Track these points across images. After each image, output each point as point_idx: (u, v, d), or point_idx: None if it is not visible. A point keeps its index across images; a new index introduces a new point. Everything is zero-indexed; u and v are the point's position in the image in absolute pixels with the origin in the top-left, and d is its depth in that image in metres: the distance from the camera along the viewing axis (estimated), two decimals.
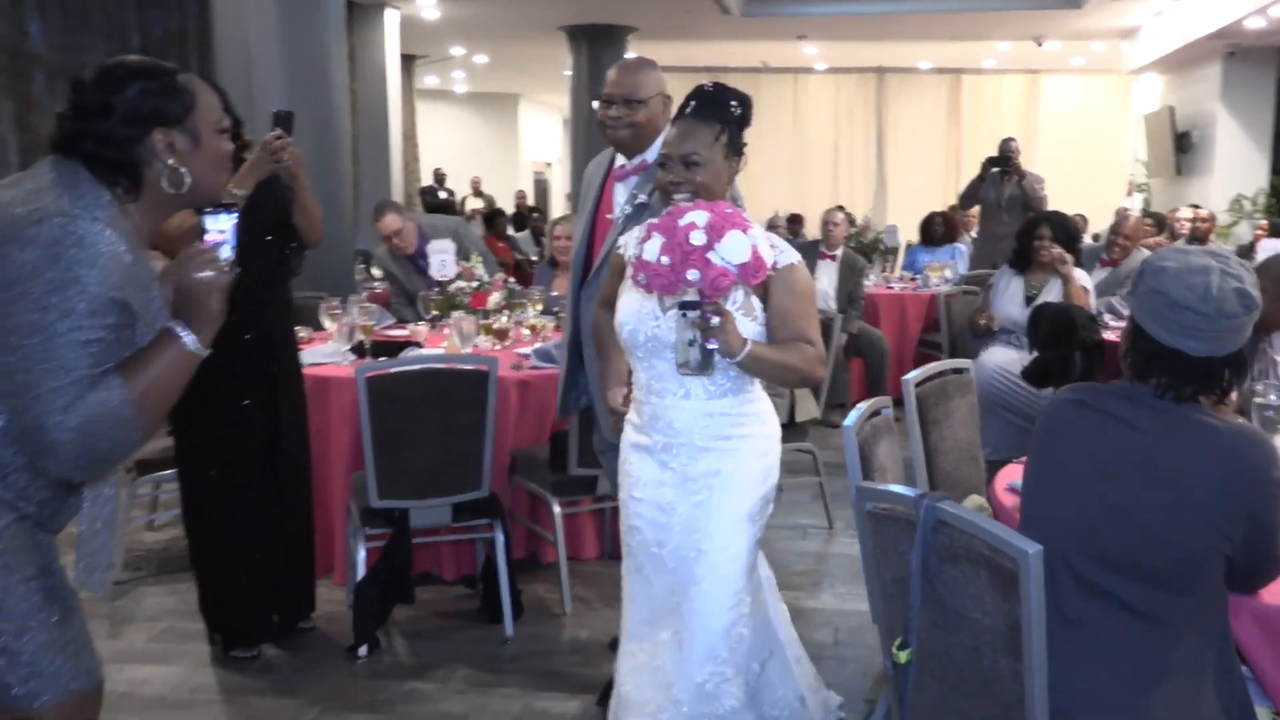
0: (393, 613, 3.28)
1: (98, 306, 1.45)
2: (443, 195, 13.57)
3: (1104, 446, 1.76)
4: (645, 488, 2.19)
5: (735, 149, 2.18)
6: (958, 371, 3.12)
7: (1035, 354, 4.07)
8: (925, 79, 15.17)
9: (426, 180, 13.85)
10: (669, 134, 2.18)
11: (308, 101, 5.29)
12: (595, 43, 11.66)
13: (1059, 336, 3.90)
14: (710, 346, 1.93)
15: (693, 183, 2.11)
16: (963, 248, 8.19)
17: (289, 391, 3.13)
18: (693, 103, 2.16)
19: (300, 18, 5.57)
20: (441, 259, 4.37)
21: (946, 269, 7.35)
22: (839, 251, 6.43)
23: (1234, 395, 1.90)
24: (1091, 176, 13.64)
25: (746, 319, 2.08)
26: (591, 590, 3.58)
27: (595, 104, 2.43)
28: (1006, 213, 6.98)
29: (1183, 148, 11.66)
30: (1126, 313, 3.40)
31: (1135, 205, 12.38)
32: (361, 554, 3.18)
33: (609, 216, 2.64)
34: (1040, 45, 12.40)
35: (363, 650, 3.13)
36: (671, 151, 2.14)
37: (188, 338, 1.53)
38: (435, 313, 4.31)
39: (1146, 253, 5.45)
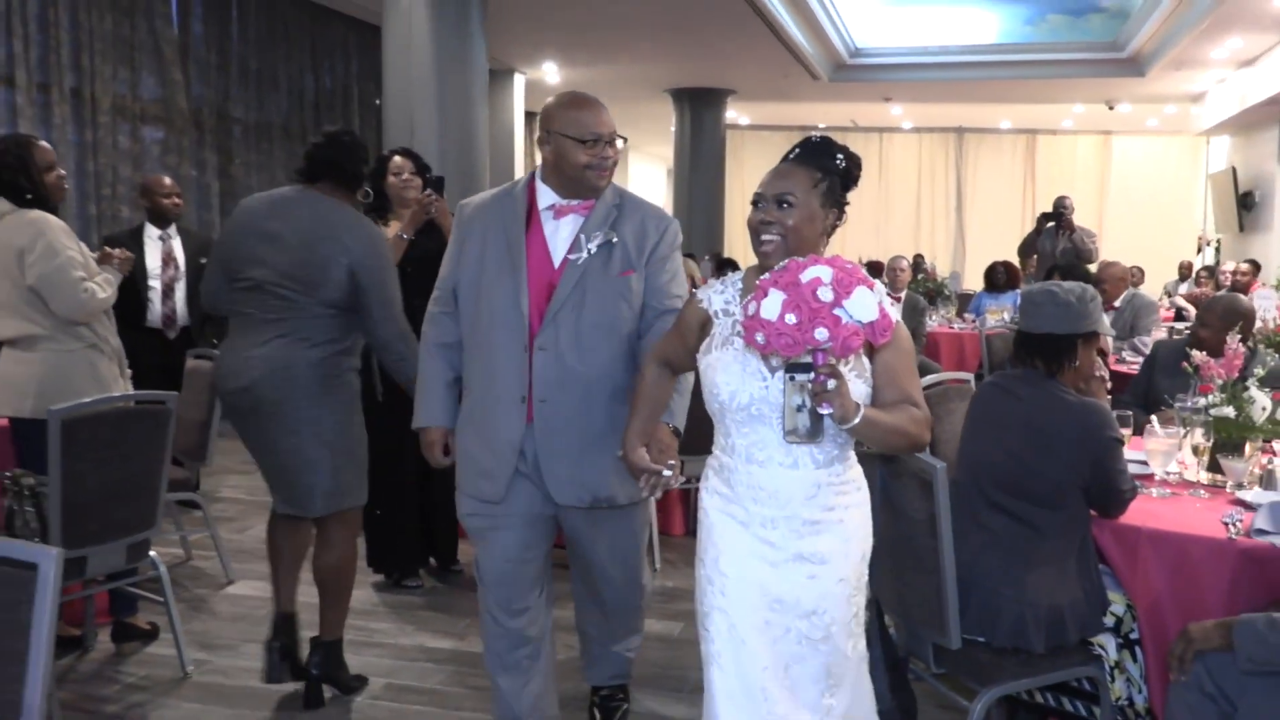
0: None
1: None
2: None
3: (1003, 411, 2.70)
4: (741, 564, 1.95)
5: (834, 201, 1.99)
6: (959, 381, 4.07)
7: None
8: (1002, 138, 15.96)
9: None
10: (764, 177, 2.02)
11: (457, 154, 6.41)
12: (697, 103, 12.89)
13: None
14: (823, 412, 1.74)
15: (783, 224, 1.94)
16: None
17: None
18: (797, 150, 2.02)
19: (454, 84, 6.67)
20: None
21: (1005, 311, 8.19)
22: (903, 294, 7.39)
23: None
24: (1162, 231, 14.22)
25: (858, 380, 1.89)
26: (676, 554, 4.54)
27: (585, 142, 2.37)
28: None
29: (1246, 205, 12.19)
30: (1148, 352, 4.33)
31: (1206, 259, 12.93)
32: None
33: (573, 256, 2.42)
34: (1111, 109, 13.11)
35: None
36: (765, 190, 1.98)
37: None
38: None
39: (1135, 291, 6.29)
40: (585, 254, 2.43)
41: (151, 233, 5.03)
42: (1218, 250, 13.26)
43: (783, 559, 1.93)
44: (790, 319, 1.69)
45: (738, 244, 15.86)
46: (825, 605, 1.94)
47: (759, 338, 1.73)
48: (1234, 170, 12.47)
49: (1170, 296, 10.36)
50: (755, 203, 2.00)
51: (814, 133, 2.08)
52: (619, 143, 2.45)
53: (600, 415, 2.42)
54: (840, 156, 2.00)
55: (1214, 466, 2.87)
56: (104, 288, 3.18)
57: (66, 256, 3.08)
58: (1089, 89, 12.23)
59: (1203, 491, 2.79)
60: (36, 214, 3.10)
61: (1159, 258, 13.00)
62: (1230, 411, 2.87)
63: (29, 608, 1.48)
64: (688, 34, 9.67)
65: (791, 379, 1.75)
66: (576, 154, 2.38)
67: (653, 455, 2.13)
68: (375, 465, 3.14)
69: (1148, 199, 14.81)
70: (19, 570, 1.50)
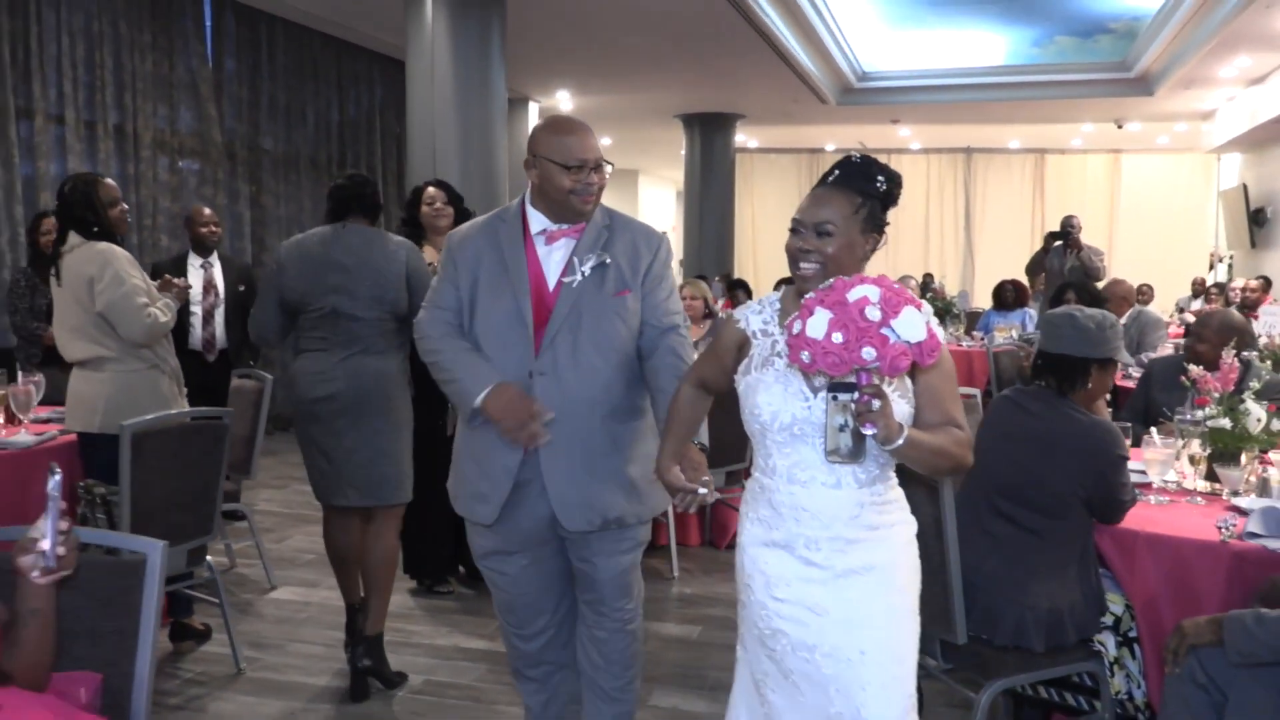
0: None
1: None
2: None
3: (1014, 424, 2.85)
4: (788, 587, 1.94)
5: (874, 226, 1.96)
6: (966, 396, 4.25)
7: None
8: (1011, 158, 16.16)
9: None
10: (803, 201, 1.98)
11: (478, 181, 6.64)
12: (707, 128, 13.16)
13: None
14: (867, 432, 1.73)
15: (823, 253, 1.91)
16: (1032, 312, 9.15)
17: None
18: (836, 171, 1.96)
19: (475, 114, 6.84)
20: None
21: (1013, 329, 8.36)
22: None
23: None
24: (1174, 248, 14.36)
25: (902, 400, 1.87)
26: (693, 564, 4.75)
27: (569, 167, 2.35)
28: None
29: (1258, 222, 12.35)
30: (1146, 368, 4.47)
31: (1219, 276, 13.07)
32: None
33: (566, 279, 2.41)
34: (1120, 128, 13.30)
35: None
36: (805, 218, 1.94)
37: None
38: None
39: (1141, 309, 6.46)
40: (579, 277, 2.41)
41: (194, 261, 5.28)
42: (1230, 267, 13.40)
43: (831, 577, 1.91)
44: (837, 338, 1.67)
45: (747, 265, 16.09)
46: (876, 625, 1.91)
47: (804, 356, 1.70)
48: (1245, 187, 12.63)
49: (1182, 313, 10.49)
50: (794, 229, 1.96)
51: (854, 153, 2.01)
52: (607, 168, 2.43)
53: (603, 437, 2.41)
54: (881, 179, 1.95)
55: (1211, 475, 3.04)
56: (164, 313, 3.41)
57: (131, 285, 3.31)
58: (1098, 109, 12.42)
59: (1199, 499, 2.94)
60: (104, 245, 3.33)
61: (1171, 274, 13.14)
62: (1226, 423, 3.02)
63: (139, 592, 1.69)
64: (697, 61, 9.92)
65: (835, 399, 1.72)
66: (561, 179, 2.36)
67: (686, 475, 2.11)
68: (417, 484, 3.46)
69: (1159, 216, 14.97)
70: (131, 560, 1.70)
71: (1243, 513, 2.73)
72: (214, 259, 5.34)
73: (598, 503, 2.39)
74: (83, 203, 3.33)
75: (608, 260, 2.44)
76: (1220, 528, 2.59)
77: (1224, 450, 2.99)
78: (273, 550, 4.77)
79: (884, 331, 1.66)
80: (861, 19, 10.40)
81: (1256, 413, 2.97)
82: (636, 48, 9.26)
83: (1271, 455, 3.17)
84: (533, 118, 11.81)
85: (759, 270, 16.06)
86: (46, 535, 1.52)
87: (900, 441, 1.76)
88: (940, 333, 1.78)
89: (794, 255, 1.95)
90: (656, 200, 21.63)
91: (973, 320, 9.59)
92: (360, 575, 3.41)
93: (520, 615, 2.55)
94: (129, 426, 2.98)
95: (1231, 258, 13.57)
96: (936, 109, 12.61)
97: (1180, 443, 3.09)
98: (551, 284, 2.43)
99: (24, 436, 3.43)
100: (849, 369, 1.68)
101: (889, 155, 16.20)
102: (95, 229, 3.35)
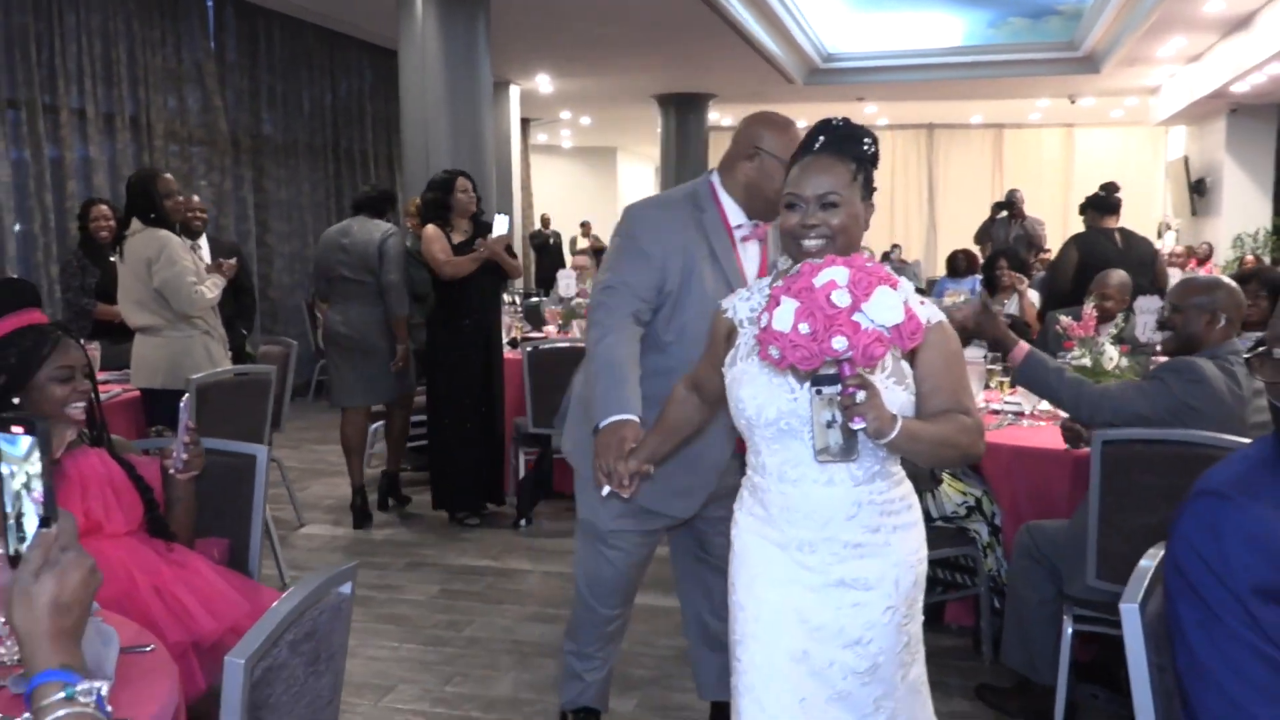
0: (539, 504, 5.23)
1: None
2: (551, 239, 15.43)
3: None
4: (778, 589, 1.80)
5: (870, 191, 1.80)
6: None
7: None
8: (971, 133, 16.92)
9: (539, 224, 15.95)
10: (793, 173, 1.79)
11: (466, 162, 7.05)
12: (682, 107, 13.79)
13: None
14: (855, 426, 1.57)
15: (830, 226, 1.74)
16: (979, 278, 9.90)
17: (497, 361, 5.06)
18: (821, 138, 1.79)
19: (463, 99, 7.32)
20: (567, 283, 6.37)
21: (962, 295, 9.06)
22: None
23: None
24: (1125, 217, 15.08)
25: (898, 387, 1.72)
26: None
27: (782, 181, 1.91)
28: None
29: (1199, 191, 13.12)
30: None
31: (1168, 243, 13.84)
32: (522, 460, 5.16)
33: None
34: (1074, 103, 14.01)
35: (523, 522, 5.08)
36: (804, 191, 1.75)
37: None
38: (560, 321, 6.30)
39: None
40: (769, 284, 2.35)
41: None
42: (1176, 234, 14.17)
43: (822, 584, 1.76)
44: (804, 328, 1.52)
45: None
46: (871, 635, 1.75)
47: (773, 351, 1.56)
48: (1186, 159, 13.38)
49: None
50: (791, 204, 1.77)
51: (832, 117, 1.82)
52: None
53: None
54: (868, 140, 1.80)
55: None
56: (211, 290, 4.05)
57: (182, 266, 3.95)
58: (1051, 85, 13.11)
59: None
60: (161, 232, 3.97)
61: None
62: (1087, 362, 3.72)
63: (251, 482, 2.36)
64: (670, 46, 10.53)
65: (819, 393, 1.57)
66: (781, 177, 2.19)
67: (629, 474, 2.02)
68: (446, 422, 4.91)
69: None
70: (245, 460, 2.38)
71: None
72: (202, 242, 5.78)
73: None
74: (143, 194, 3.97)
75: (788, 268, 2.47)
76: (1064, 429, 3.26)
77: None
78: (298, 496, 5.44)
79: (856, 317, 1.51)
80: (825, 4, 11.02)
81: (1110, 353, 3.68)
82: (612, 35, 9.85)
83: None
84: (514, 99, 12.37)
85: None
86: (177, 446, 2.19)
87: (894, 434, 1.60)
88: (928, 310, 1.70)
89: (794, 233, 1.76)
90: (635, 176, 22.23)
91: (929, 287, 10.30)
92: (363, 461, 5.13)
93: (623, 592, 2.63)
94: (194, 380, 3.64)
95: (1178, 225, 14.35)
96: (899, 88, 13.26)
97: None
98: (748, 280, 2.37)
99: None
100: (821, 362, 1.54)
101: None
102: (153, 216, 3.98)
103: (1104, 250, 5.51)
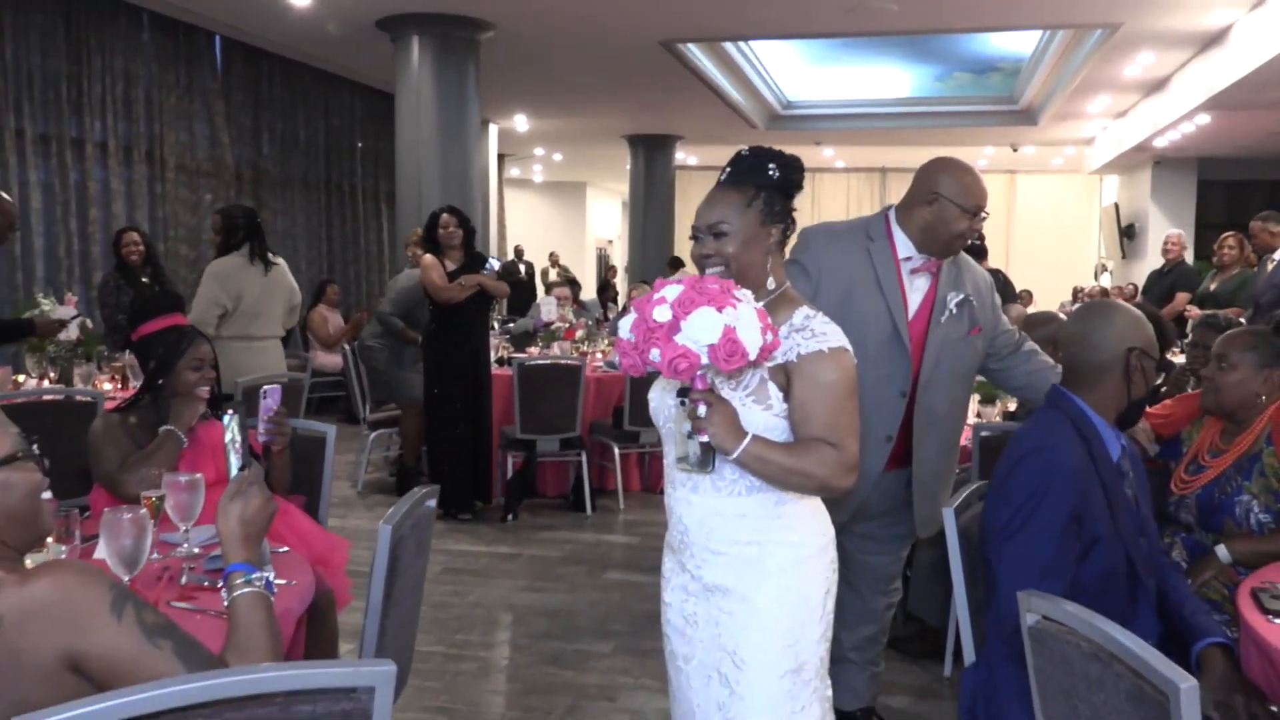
0: (524, 501, 5.91)
1: None
2: (523, 270, 15.96)
3: None
4: (671, 591, 1.93)
5: (774, 215, 1.85)
6: None
7: None
8: None
9: (512, 254, 16.57)
10: (700, 205, 1.90)
11: (455, 195, 7.65)
12: (650, 147, 14.66)
13: None
14: (700, 439, 1.68)
15: (723, 254, 1.83)
16: None
17: (485, 376, 5.76)
18: (728, 169, 1.90)
19: (453, 139, 8.01)
20: (548, 309, 7.10)
21: None
22: None
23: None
24: (1063, 259, 16.20)
25: (758, 407, 1.77)
26: (634, 501, 6.12)
27: (970, 212, 2.50)
28: None
29: (1129, 235, 14.16)
30: None
31: (1104, 283, 14.88)
32: (510, 463, 5.85)
33: (939, 314, 2.56)
34: (1015, 151, 15.04)
35: (510, 517, 5.76)
36: (699, 223, 1.87)
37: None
38: (541, 342, 7.01)
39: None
40: (949, 313, 2.55)
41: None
42: (1111, 274, 15.22)
43: (699, 589, 1.86)
44: (631, 338, 1.66)
45: (689, 270, 17.52)
46: (745, 655, 1.80)
47: (614, 358, 1.71)
48: (1117, 206, 14.43)
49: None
50: (694, 236, 1.90)
51: (744, 148, 1.92)
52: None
53: (951, 459, 2.74)
54: (773, 166, 1.87)
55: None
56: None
57: (206, 289, 4.80)
58: (994, 135, 14.12)
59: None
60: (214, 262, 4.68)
61: (1060, 283, 14.88)
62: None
63: (323, 452, 3.05)
64: (639, 92, 11.35)
65: (682, 403, 1.69)
66: (959, 222, 2.46)
67: None
68: (441, 430, 5.50)
69: (1049, 231, 16.87)
70: (319, 435, 3.06)
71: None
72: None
73: (937, 515, 2.51)
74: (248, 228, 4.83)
75: (970, 298, 2.61)
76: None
77: (985, 396, 4.49)
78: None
79: (680, 335, 1.61)
80: (784, 58, 11.90)
81: None
82: (588, 81, 10.65)
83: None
84: (493, 138, 13.13)
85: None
86: (262, 422, 2.86)
87: (738, 452, 1.69)
88: (753, 338, 1.63)
89: (698, 262, 1.90)
90: (603, 211, 23.07)
91: None
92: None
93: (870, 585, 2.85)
94: (240, 383, 4.31)
95: (1113, 265, 15.41)
96: (854, 134, 14.19)
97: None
98: (911, 313, 2.56)
99: None
100: (644, 370, 1.66)
101: (814, 174, 17.86)
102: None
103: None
